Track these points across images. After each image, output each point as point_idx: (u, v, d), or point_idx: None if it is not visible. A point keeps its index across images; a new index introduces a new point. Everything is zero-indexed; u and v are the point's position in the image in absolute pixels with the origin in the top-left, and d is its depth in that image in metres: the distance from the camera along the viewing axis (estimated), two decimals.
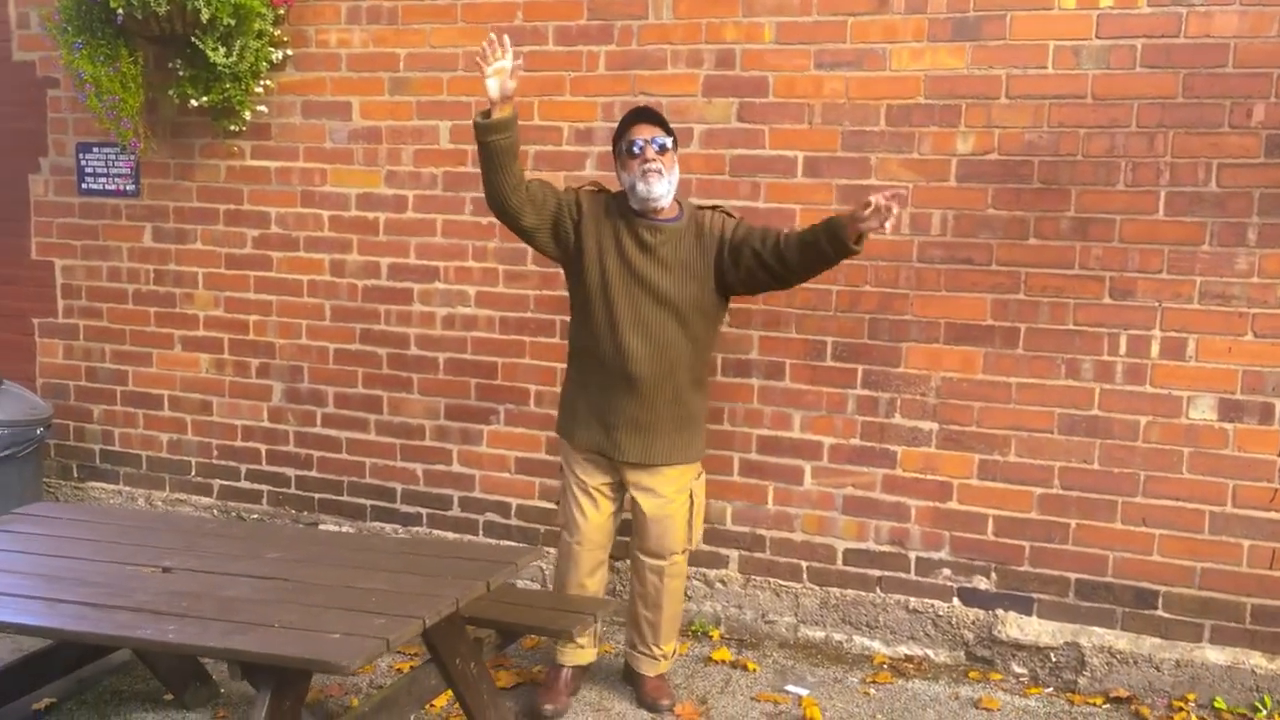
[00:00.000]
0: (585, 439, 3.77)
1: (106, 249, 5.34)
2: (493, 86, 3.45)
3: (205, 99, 4.71)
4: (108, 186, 5.29)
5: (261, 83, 4.80)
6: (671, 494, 3.77)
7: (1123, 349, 3.94)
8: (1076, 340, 3.99)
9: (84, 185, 5.33)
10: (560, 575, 3.87)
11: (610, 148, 3.82)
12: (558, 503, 3.94)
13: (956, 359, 4.13)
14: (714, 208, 3.78)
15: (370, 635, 2.58)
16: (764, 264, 3.59)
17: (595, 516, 3.79)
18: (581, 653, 3.93)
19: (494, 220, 4.57)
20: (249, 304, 5.12)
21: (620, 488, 3.81)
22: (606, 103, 4.45)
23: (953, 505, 4.19)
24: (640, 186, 3.59)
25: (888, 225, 3.34)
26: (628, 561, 4.00)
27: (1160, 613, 4.00)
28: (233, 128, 4.90)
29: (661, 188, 3.60)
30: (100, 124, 4.86)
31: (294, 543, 3.32)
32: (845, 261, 4.07)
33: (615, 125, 4.36)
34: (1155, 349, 3.91)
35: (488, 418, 4.78)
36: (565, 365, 3.93)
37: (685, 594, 4.50)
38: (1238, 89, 3.73)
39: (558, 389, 4.59)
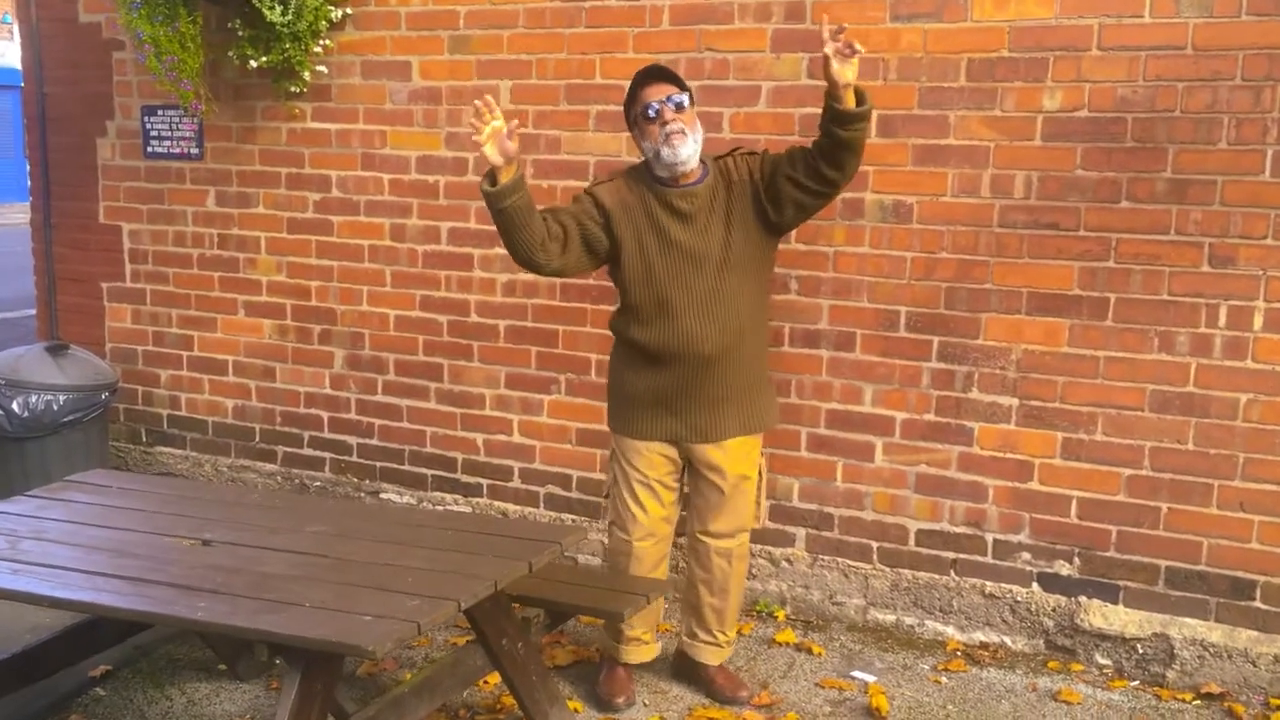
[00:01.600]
0: (651, 429, 3.53)
1: (172, 213, 5.31)
2: (491, 152, 3.19)
3: (265, 59, 4.63)
4: (172, 150, 5.25)
5: (321, 42, 4.70)
6: (744, 469, 3.57)
7: (1222, 321, 3.66)
8: (1171, 311, 3.71)
9: (149, 149, 5.30)
10: (619, 574, 3.62)
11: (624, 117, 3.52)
12: (606, 496, 3.71)
13: (1039, 331, 3.88)
14: (732, 152, 3.52)
15: (401, 618, 2.46)
16: (804, 187, 3.33)
17: (657, 509, 3.57)
18: (645, 649, 3.74)
19: (555, 183, 4.50)
20: (310, 269, 5.05)
21: (681, 474, 3.62)
22: (671, 59, 4.24)
23: (1033, 486, 3.95)
24: (666, 152, 3.33)
25: (855, 57, 3.12)
26: (683, 545, 3.82)
27: (1258, 604, 3.73)
28: (293, 89, 4.81)
29: (688, 149, 3.33)
30: (161, 85, 4.80)
31: (337, 516, 3.23)
32: (919, 226, 3.91)
33: None
34: (1259, 321, 3.62)
35: (548, 387, 4.65)
36: (612, 363, 3.67)
37: (750, 572, 4.35)
38: None
39: None
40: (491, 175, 3.24)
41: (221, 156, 5.16)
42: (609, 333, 4.44)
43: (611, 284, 3.58)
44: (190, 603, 2.60)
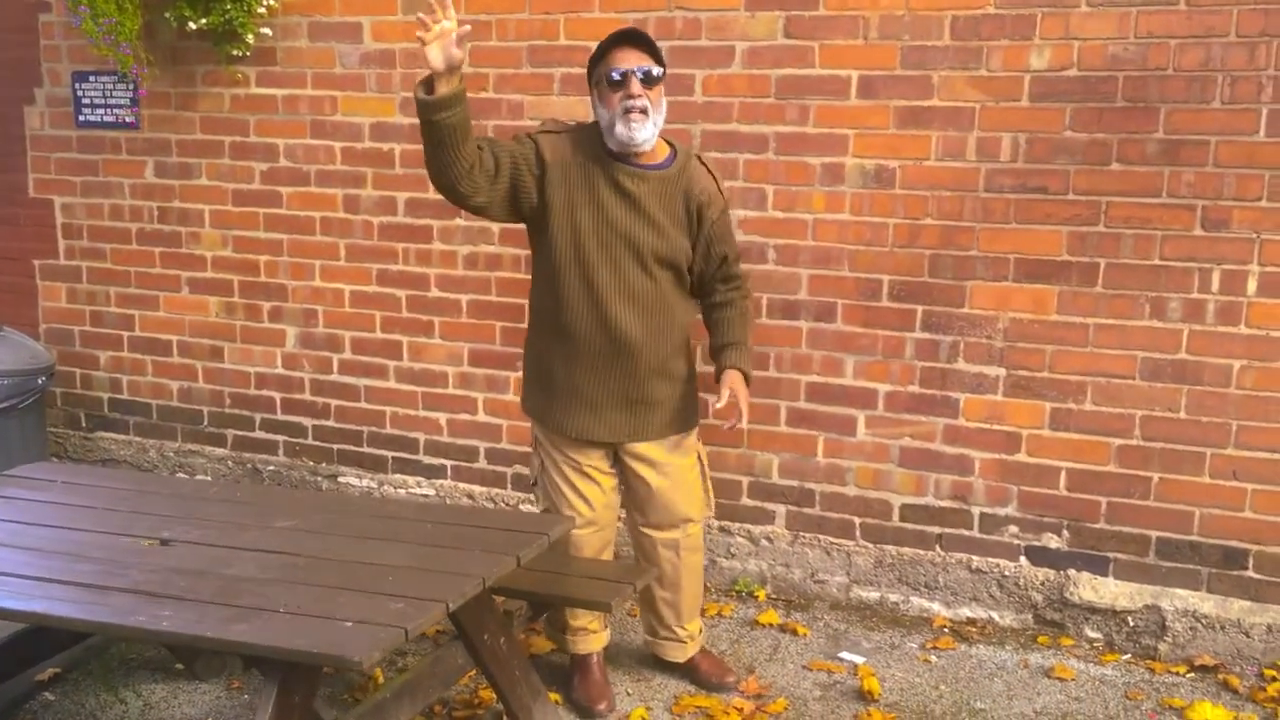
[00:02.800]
0: (566, 424, 3.26)
1: (108, 185, 5.02)
2: (434, 55, 2.80)
3: (204, 21, 4.35)
4: (106, 118, 4.95)
5: (264, 2, 4.42)
6: (677, 461, 3.35)
7: (1215, 286, 3.57)
8: (1163, 277, 3.61)
9: (81, 117, 4.99)
10: (603, 563, 3.40)
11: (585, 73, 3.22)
12: (534, 485, 3.40)
13: (1027, 298, 3.76)
14: (712, 172, 3.28)
15: (386, 623, 2.28)
16: (701, 278, 3.30)
17: (599, 496, 3.31)
18: (594, 638, 3.50)
19: None
20: (258, 243, 4.79)
21: (614, 460, 3.35)
22: (639, 19, 4.05)
23: (1021, 457, 3.85)
24: (620, 129, 3.04)
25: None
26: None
27: (1251, 573, 3.66)
28: (235, 52, 4.53)
29: (645, 132, 3.04)
30: (97, 50, 4.50)
31: (307, 509, 3.02)
32: (902, 192, 3.79)
33: None
34: (1252, 285, 3.53)
35: (515, 364, 4.46)
36: (528, 342, 3.37)
37: (729, 551, 4.22)
38: None
39: None
40: (428, 82, 2.87)
41: (160, 125, 4.87)
42: None
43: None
44: (153, 611, 2.40)
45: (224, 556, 2.68)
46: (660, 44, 3.93)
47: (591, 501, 3.31)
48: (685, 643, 3.58)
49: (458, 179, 2.97)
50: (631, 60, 3.08)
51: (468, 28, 2.87)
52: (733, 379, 3.20)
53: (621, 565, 3.28)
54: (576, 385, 3.23)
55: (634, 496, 3.39)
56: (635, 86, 3.04)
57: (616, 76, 3.06)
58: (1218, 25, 3.44)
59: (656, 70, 3.10)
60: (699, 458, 3.45)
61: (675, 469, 3.36)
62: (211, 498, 3.13)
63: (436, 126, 2.87)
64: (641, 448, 3.30)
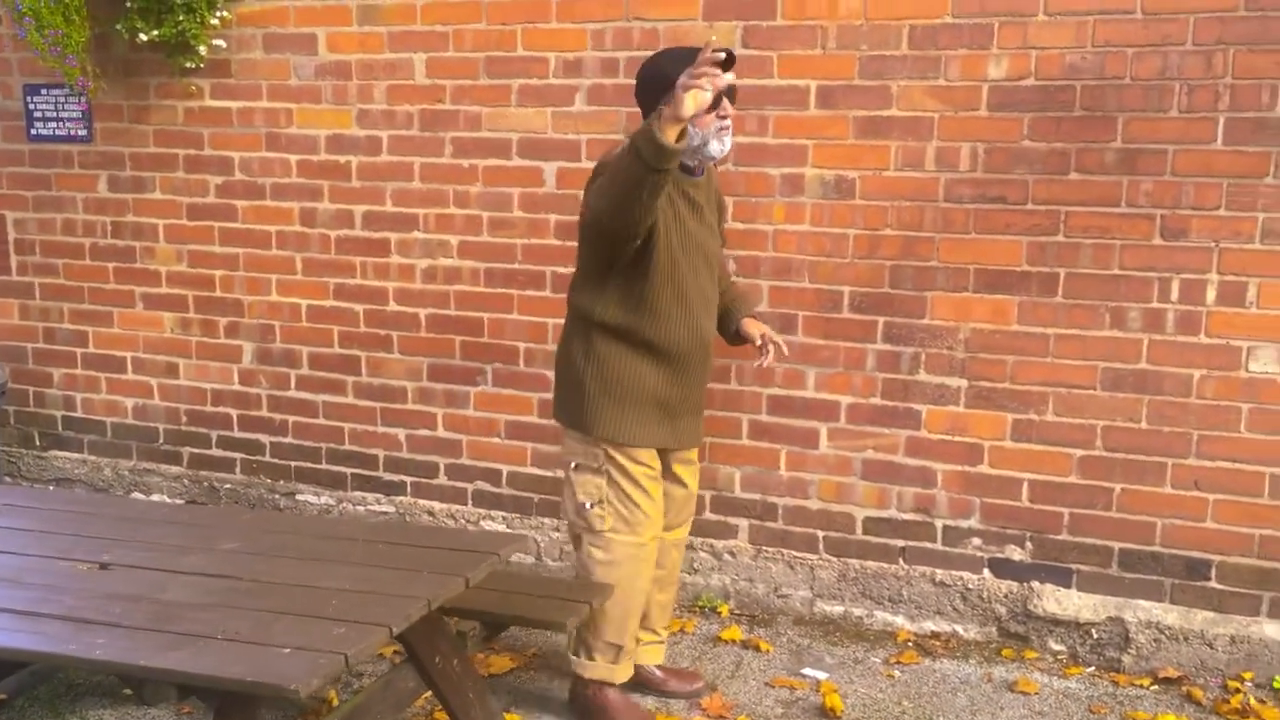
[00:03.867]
0: (646, 435, 3.22)
1: (60, 200, 4.93)
2: (694, 103, 2.70)
3: (156, 33, 4.27)
4: (58, 132, 4.86)
5: (218, 14, 4.36)
6: (698, 463, 3.53)
7: (1174, 295, 3.55)
8: (1122, 286, 3.59)
9: (33, 131, 4.91)
10: (629, 581, 3.24)
11: (644, 83, 3.10)
12: (591, 506, 3.22)
13: (987, 309, 3.73)
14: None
15: (326, 650, 2.21)
16: None
17: (654, 508, 3.27)
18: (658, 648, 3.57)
19: (476, 162, 4.23)
20: (214, 258, 4.71)
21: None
22: (597, 29, 4.01)
23: (983, 469, 3.82)
24: (715, 146, 3.08)
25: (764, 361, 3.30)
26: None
27: (1214, 584, 3.64)
28: (189, 64, 4.46)
29: (729, 145, 3.16)
30: (44, 62, 4.42)
31: (253, 531, 2.95)
32: (862, 202, 3.77)
33: (605, 55, 3.99)
34: (1211, 295, 3.51)
35: (474, 378, 4.40)
36: (595, 361, 3.18)
37: (692, 567, 4.18)
38: None
39: (547, 346, 4.23)
40: (650, 130, 2.72)
41: (113, 138, 4.79)
42: (537, 320, 4.24)
43: (539, 267, 3.31)
44: (87, 639, 2.32)
45: (163, 580, 2.61)
46: (617, 54, 3.95)
47: (650, 513, 3.27)
48: (665, 642, 3.60)
49: (643, 224, 2.92)
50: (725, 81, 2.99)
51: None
52: (753, 322, 3.40)
53: (577, 583, 3.22)
54: (663, 397, 3.22)
55: (668, 501, 3.37)
56: (727, 106, 3.09)
57: (721, 100, 3.04)
58: (1174, 34, 3.43)
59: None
60: None
61: (696, 472, 3.50)
62: (155, 519, 3.05)
63: (662, 175, 2.78)
64: (688, 454, 3.41)
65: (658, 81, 3.01)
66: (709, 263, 3.24)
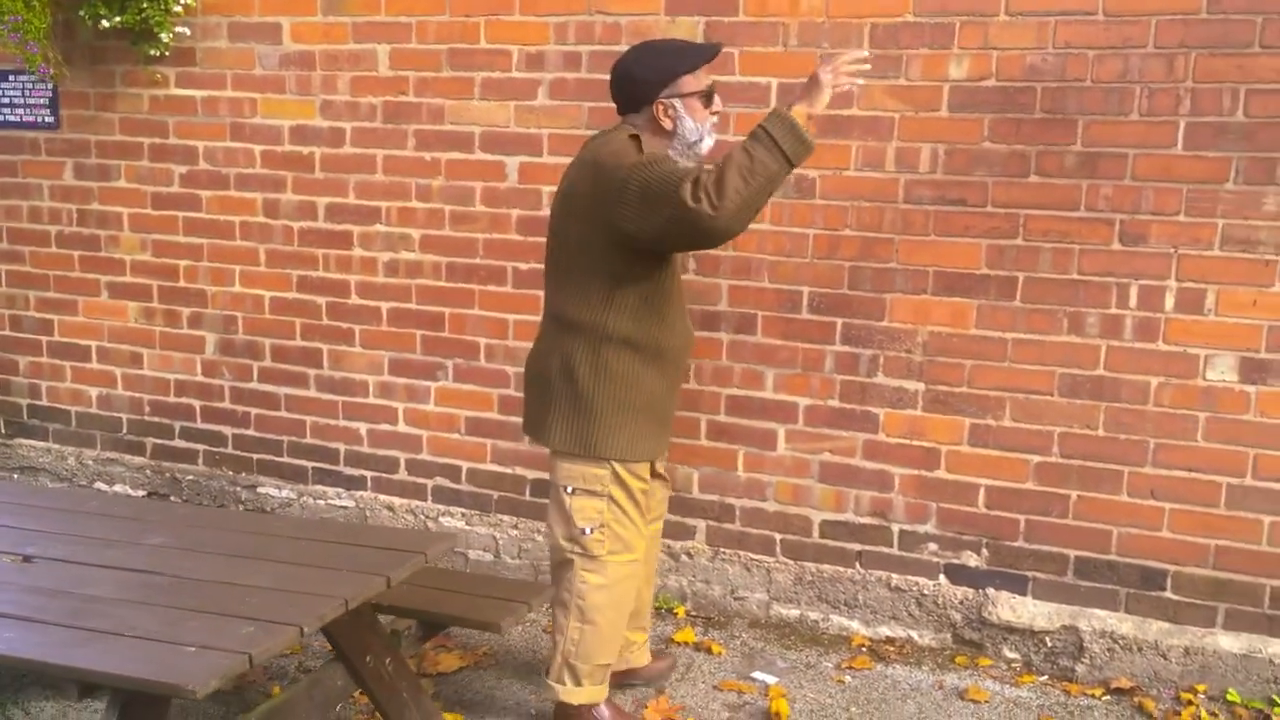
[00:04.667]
0: (650, 449, 3.15)
1: (26, 187, 4.90)
2: (831, 95, 2.82)
3: (119, 19, 4.24)
4: (25, 118, 4.84)
5: (181, 1, 4.32)
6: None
7: (1133, 301, 3.50)
8: (1081, 291, 3.54)
9: (1, 117, 4.88)
10: (623, 599, 3.18)
11: (638, 79, 3.04)
12: (591, 531, 3.07)
13: (946, 312, 3.69)
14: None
15: (231, 649, 2.18)
16: None
17: (643, 525, 3.21)
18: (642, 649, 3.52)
19: (439, 155, 4.20)
20: (178, 247, 4.69)
21: None
22: (560, 23, 3.97)
23: (940, 474, 3.77)
24: (708, 142, 3.06)
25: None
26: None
27: (1169, 594, 3.59)
28: (153, 52, 4.43)
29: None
30: (4, 48, 4.39)
31: (183, 526, 2.91)
32: (822, 202, 3.72)
33: (567, 48, 3.95)
34: (1170, 301, 3.46)
35: (434, 373, 4.37)
36: (608, 379, 3.02)
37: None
38: (1271, 2, 3.24)
39: (508, 342, 4.20)
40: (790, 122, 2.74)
41: (79, 125, 4.76)
42: (498, 315, 4.21)
43: (500, 263, 3.27)
44: None
45: (84, 575, 2.58)
46: (580, 49, 3.90)
47: (640, 529, 3.18)
48: (646, 647, 3.59)
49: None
50: (708, 73, 3.07)
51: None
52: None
53: (515, 583, 3.19)
54: (664, 404, 3.16)
55: (649, 498, 3.25)
56: (718, 102, 3.08)
57: (708, 88, 3.04)
58: (1135, 36, 3.38)
59: None
60: None
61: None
62: (88, 512, 3.02)
63: (791, 172, 2.81)
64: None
65: (661, 75, 2.99)
66: (682, 261, 3.26)
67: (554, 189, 3.24)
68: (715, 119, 3.07)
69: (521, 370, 4.11)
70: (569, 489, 3.08)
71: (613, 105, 3.15)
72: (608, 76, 3.83)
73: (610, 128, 3.12)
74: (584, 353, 3.02)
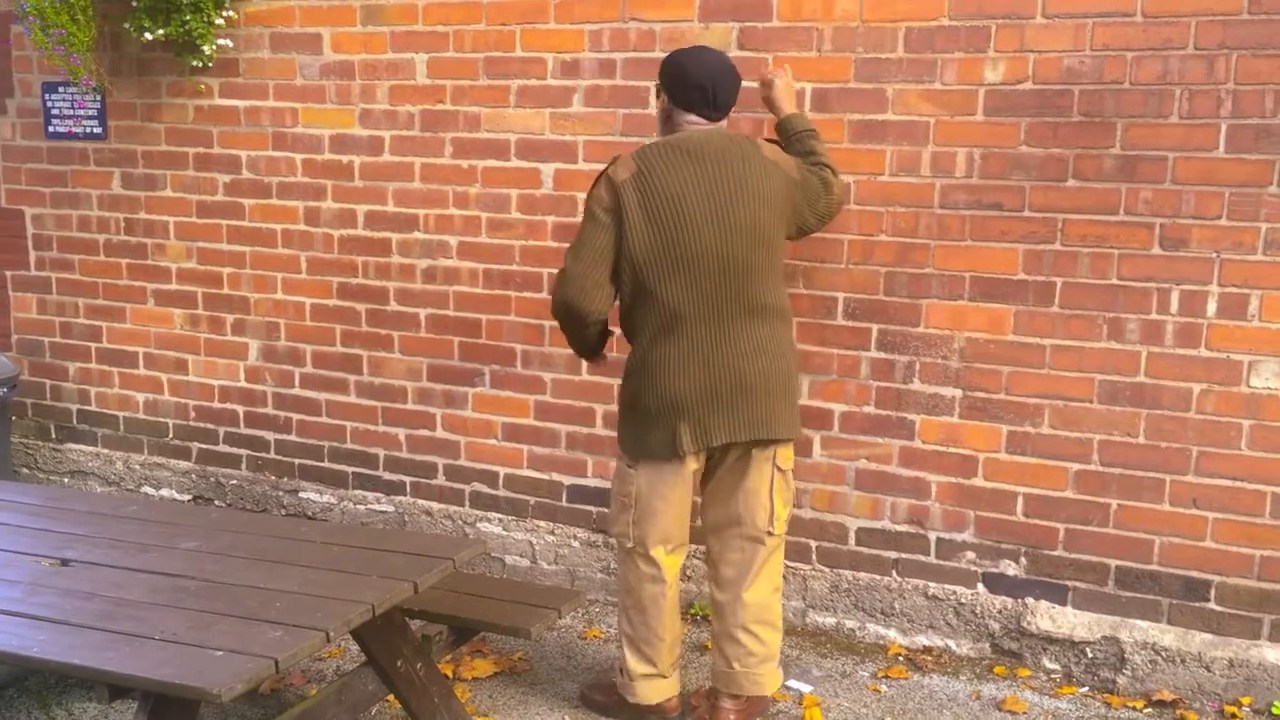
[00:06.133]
0: None
1: (76, 196, 5.00)
2: None
3: (162, 32, 4.32)
4: (75, 129, 4.93)
5: (224, 13, 4.39)
6: None
7: (1174, 307, 3.44)
8: (1121, 297, 3.49)
9: (51, 128, 4.99)
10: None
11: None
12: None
13: (983, 318, 3.64)
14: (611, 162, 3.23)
15: (257, 654, 2.21)
16: None
17: None
18: (662, 684, 3.40)
19: (475, 163, 4.24)
20: (222, 255, 4.76)
21: None
22: (594, 30, 3.98)
23: (978, 482, 3.73)
24: None
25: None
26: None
27: (1212, 605, 3.52)
28: (195, 63, 4.50)
29: None
30: (49, 60, 4.48)
31: (216, 530, 2.96)
32: (857, 207, 3.70)
33: (602, 56, 3.99)
34: (1212, 307, 3.40)
35: (472, 379, 4.39)
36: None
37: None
38: None
39: (544, 348, 4.23)
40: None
41: (126, 136, 4.85)
42: (534, 322, 4.23)
43: (537, 269, 3.39)
44: (29, 635, 2.34)
45: (118, 579, 2.63)
46: (615, 55, 3.92)
47: None
48: None
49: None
50: None
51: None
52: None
53: (547, 589, 3.20)
54: None
55: None
56: None
57: None
58: (1175, 37, 3.32)
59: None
60: (613, 478, 3.41)
61: None
62: (125, 516, 3.08)
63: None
64: None
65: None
66: None
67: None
68: None
69: (558, 376, 4.18)
70: (788, 471, 3.33)
71: (646, 113, 3.20)
72: (642, 83, 3.89)
73: (721, 130, 3.21)
74: (790, 338, 3.32)
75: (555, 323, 3.36)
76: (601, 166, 3.26)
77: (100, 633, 2.34)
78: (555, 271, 4.07)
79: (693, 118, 3.18)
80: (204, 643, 2.27)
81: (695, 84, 3.15)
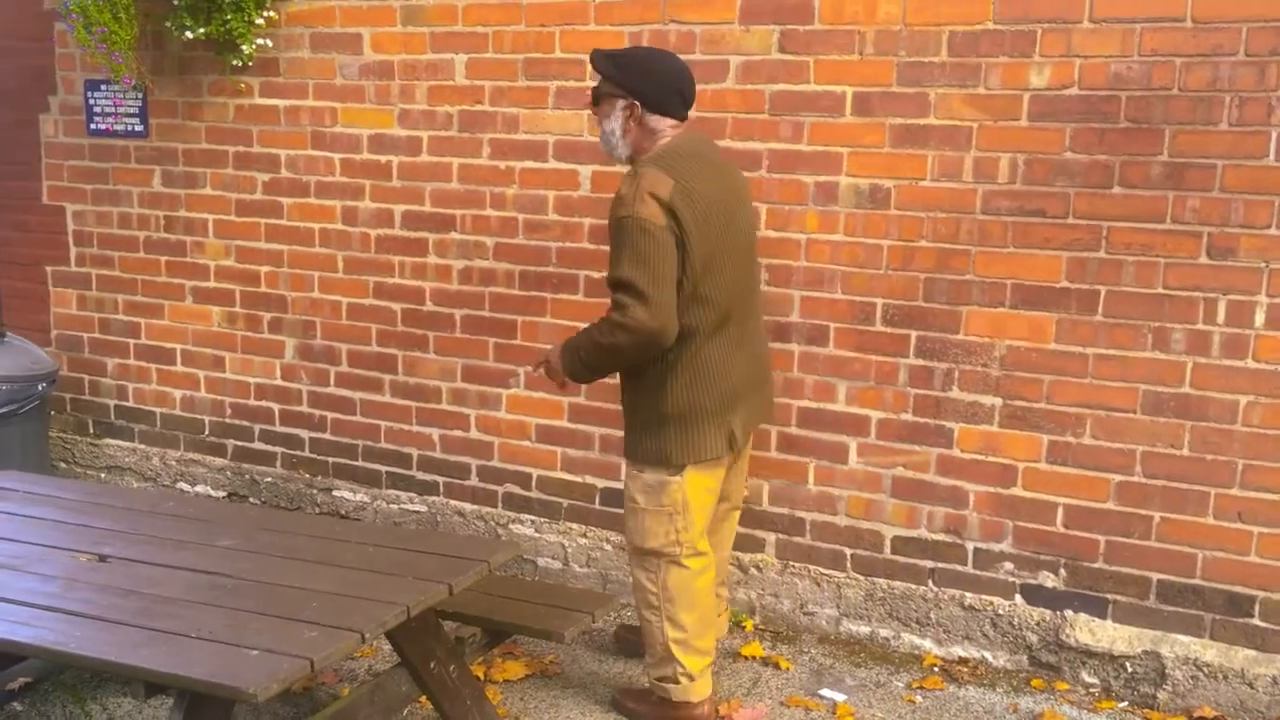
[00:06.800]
0: None
1: (117, 193, 5.04)
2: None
3: (202, 31, 4.34)
4: (116, 127, 4.97)
5: (265, 13, 4.41)
6: (628, 486, 3.34)
7: (1221, 317, 3.38)
8: (1166, 306, 3.43)
9: (93, 125, 5.02)
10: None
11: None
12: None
13: (1024, 326, 3.60)
14: (623, 184, 3.11)
15: (293, 654, 2.20)
16: None
17: None
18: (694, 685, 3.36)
19: (513, 164, 4.23)
20: (260, 254, 4.78)
21: None
22: (634, 32, 3.96)
23: (1017, 491, 3.68)
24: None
25: None
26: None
27: (1256, 621, 3.46)
28: (236, 62, 4.52)
29: (603, 148, 3.28)
30: (92, 59, 4.52)
31: (253, 528, 2.96)
32: (897, 213, 3.66)
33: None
34: (1260, 317, 3.34)
35: (507, 381, 4.38)
36: None
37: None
38: None
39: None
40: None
41: (167, 134, 4.88)
42: (570, 324, 4.22)
43: (573, 271, 3.78)
44: (67, 631, 2.35)
45: (155, 575, 2.63)
46: None
47: None
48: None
49: (671, 337, 3.11)
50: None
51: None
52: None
53: (580, 592, 3.19)
54: None
55: None
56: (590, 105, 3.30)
57: None
58: (1226, 43, 3.27)
59: (596, 87, 3.24)
60: (632, 494, 3.30)
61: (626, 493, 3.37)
62: (163, 513, 3.09)
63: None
64: None
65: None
66: None
67: None
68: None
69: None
70: None
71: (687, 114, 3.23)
72: None
73: (696, 134, 3.34)
74: None
75: (612, 341, 3.11)
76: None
77: (137, 629, 2.34)
78: (592, 274, 4.11)
79: (671, 121, 3.20)
80: (240, 641, 2.27)
81: (675, 88, 3.19)
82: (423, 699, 3.02)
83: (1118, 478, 3.56)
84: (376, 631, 2.37)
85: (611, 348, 3.07)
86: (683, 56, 3.82)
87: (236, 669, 2.15)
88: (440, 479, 4.58)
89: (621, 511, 3.64)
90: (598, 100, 3.22)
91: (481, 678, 3.58)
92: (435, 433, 4.56)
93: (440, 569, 2.67)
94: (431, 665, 2.83)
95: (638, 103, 3.16)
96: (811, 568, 4.01)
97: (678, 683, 3.33)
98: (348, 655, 2.37)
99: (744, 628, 4.07)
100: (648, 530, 3.26)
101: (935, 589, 3.84)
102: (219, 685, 2.10)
